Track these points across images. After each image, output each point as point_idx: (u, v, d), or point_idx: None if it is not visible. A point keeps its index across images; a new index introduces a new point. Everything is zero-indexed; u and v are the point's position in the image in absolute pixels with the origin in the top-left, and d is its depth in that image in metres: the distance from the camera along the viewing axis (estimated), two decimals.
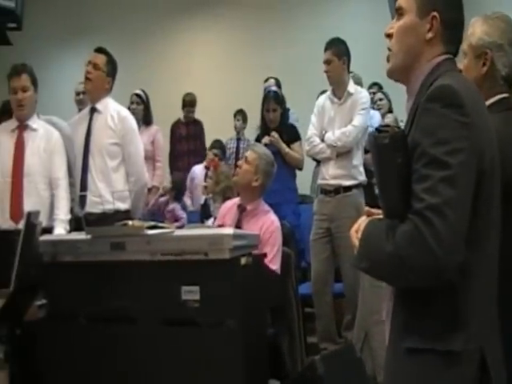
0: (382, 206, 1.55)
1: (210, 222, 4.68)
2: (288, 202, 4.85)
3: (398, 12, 1.64)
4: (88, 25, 8.77)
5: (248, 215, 3.66)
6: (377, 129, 1.51)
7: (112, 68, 4.04)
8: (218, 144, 6.38)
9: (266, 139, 4.98)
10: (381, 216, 1.59)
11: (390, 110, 5.96)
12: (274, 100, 5.13)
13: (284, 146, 5.00)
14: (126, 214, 3.81)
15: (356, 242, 1.57)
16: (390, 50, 1.66)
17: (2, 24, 4.54)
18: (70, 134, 4.10)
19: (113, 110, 3.97)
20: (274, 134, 4.99)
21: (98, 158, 3.89)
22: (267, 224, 3.57)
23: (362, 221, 1.61)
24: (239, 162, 3.89)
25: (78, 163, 3.94)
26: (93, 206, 3.83)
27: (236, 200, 3.82)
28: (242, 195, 3.77)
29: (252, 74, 7.46)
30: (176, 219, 5.77)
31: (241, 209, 3.69)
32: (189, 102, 6.98)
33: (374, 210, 1.66)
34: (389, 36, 1.66)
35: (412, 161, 1.46)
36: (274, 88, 5.60)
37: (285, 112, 5.32)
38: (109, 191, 3.78)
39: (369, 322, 3.58)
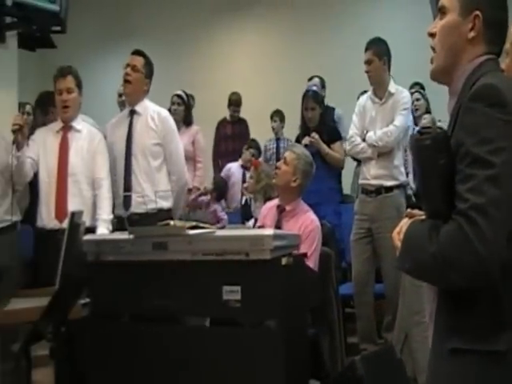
0: (425, 208, 1.54)
1: (250, 222, 4.69)
2: (329, 202, 4.84)
3: (441, 11, 1.63)
4: (131, 27, 8.88)
5: (287, 215, 3.68)
6: (418, 131, 1.51)
7: (149, 70, 4.09)
8: (253, 144, 6.41)
9: (306, 140, 4.98)
10: (423, 217, 1.58)
11: (428, 111, 5.89)
12: (312, 99, 5.13)
13: (324, 146, 4.98)
14: (169, 213, 3.88)
15: (398, 244, 1.57)
16: (433, 49, 1.65)
17: (46, 27, 4.62)
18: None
19: (152, 111, 4.02)
20: (314, 134, 4.99)
21: (141, 158, 3.94)
22: (306, 223, 3.58)
23: (404, 222, 1.61)
24: (278, 163, 3.90)
25: (119, 165, 3.99)
26: (137, 206, 3.88)
27: (276, 201, 3.83)
28: (281, 196, 3.78)
29: (295, 74, 7.46)
30: (217, 220, 5.81)
31: (280, 209, 3.71)
32: (235, 101, 7.03)
33: (415, 212, 1.65)
34: (432, 35, 1.65)
35: (456, 161, 1.45)
36: (314, 88, 5.59)
37: (324, 112, 5.31)
38: (153, 191, 3.83)
39: (409, 322, 3.55)
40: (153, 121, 3.98)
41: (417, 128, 4.96)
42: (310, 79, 6.36)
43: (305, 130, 5.16)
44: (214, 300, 2.73)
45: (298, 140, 5.23)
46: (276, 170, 3.83)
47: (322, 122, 5.16)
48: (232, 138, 7.00)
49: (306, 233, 3.50)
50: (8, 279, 3.69)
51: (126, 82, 4.04)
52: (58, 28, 4.55)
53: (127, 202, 3.90)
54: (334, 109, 6.16)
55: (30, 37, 4.53)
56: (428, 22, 1.78)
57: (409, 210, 1.68)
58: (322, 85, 6.28)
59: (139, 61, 4.04)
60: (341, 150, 5.08)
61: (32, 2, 4.10)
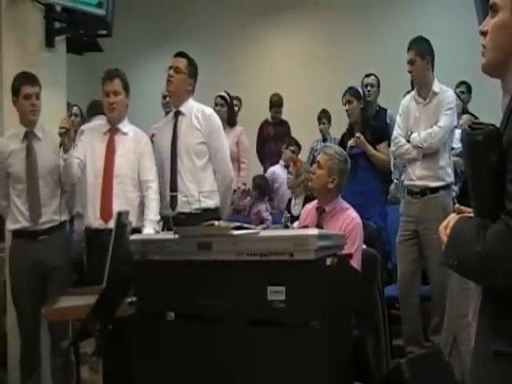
0: (473, 205, 1.52)
1: (295, 224, 4.69)
2: (374, 204, 4.81)
3: (493, 9, 1.59)
4: (175, 30, 8.97)
5: (327, 216, 3.65)
6: (470, 126, 1.48)
7: (193, 70, 4.08)
8: (292, 141, 6.42)
9: (351, 141, 4.97)
10: (471, 214, 1.56)
11: (465, 111, 5.79)
12: (348, 93, 5.16)
13: (370, 147, 4.95)
14: (216, 212, 3.87)
15: (444, 238, 1.55)
16: (484, 47, 1.62)
17: (93, 31, 4.70)
18: None
19: (196, 110, 4.01)
20: (358, 135, 4.96)
21: (186, 159, 3.94)
22: (347, 221, 3.55)
23: (452, 218, 1.59)
24: (312, 169, 3.84)
25: (166, 166, 4.00)
26: (183, 206, 3.87)
27: (314, 203, 3.80)
28: (320, 198, 3.74)
29: (340, 75, 7.43)
30: (261, 221, 5.82)
31: (319, 211, 3.69)
32: (276, 103, 7.04)
33: (463, 208, 1.63)
34: (483, 33, 1.61)
35: (506, 160, 1.42)
36: (357, 87, 5.55)
37: (366, 109, 5.28)
38: (198, 191, 3.82)
39: (457, 325, 3.50)
40: (197, 119, 3.98)
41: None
42: (367, 76, 6.26)
43: (349, 129, 5.17)
44: (259, 300, 2.72)
45: (344, 139, 5.24)
46: (311, 175, 3.80)
47: (365, 120, 5.15)
48: (274, 139, 7.03)
49: (347, 231, 3.47)
50: (57, 278, 3.78)
51: (169, 83, 4.05)
52: (104, 32, 4.62)
53: (173, 202, 3.90)
54: (386, 110, 6.10)
55: (77, 41, 4.61)
56: (473, 20, 1.74)
57: (456, 205, 1.66)
58: (378, 83, 6.21)
59: (182, 62, 4.05)
60: (386, 151, 5.04)
61: (80, 7, 4.17)
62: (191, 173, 3.94)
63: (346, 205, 3.70)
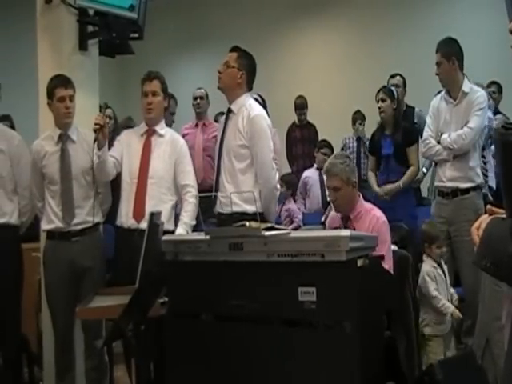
0: (506, 206, 1.51)
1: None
2: (405, 205, 4.79)
3: None
4: (206, 32, 9.02)
5: (353, 222, 3.64)
6: (503, 126, 1.47)
7: (245, 62, 3.94)
8: (323, 143, 6.41)
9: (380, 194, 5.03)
10: (503, 216, 1.54)
11: (497, 111, 5.71)
12: (382, 91, 5.19)
13: (398, 185, 4.94)
14: (254, 217, 3.49)
15: (476, 239, 1.54)
16: None
17: (125, 34, 4.74)
18: None
19: (245, 110, 3.84)
20: (380, 191, 4.98)
21: (226, 159, 3.85)
22: (373, 222, 3.54)
23: (484, 218, 1.58)
24: (332, 198, 3.71)
25: (215, 165, 3.99)
26: (222, 206, 3.82)
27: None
28: (346, 210, 3.69)
29: (369, 75, 7.41)
30: (292, 220, 5.85)
31: (345, 219, 3.68)
32: (300, 105, 7.06)
33: (495, 209, 1.62)
34: None
35: None
36: (389, 86, 5.55)
37: (399, 109, 5.27)
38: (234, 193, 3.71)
39: (490, 327, 3.46)
40: (242, 121, 3.82)
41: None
42: (392, 76, 6.24)
43: (381, 128, 5.22)
44: (290, 301, 2.72)
45: (374, 137, 5.26)
46: (334, 202, 3.71)
47: (396, 121, 5.14)
48: (301, 141, 7.04)
49: (374, 232, 3.44)
50: (90, 278, 3.83)
51: (218, 79, 3.96)
52: (136, 35, 4.66)
53: (215, 202, 3.87)
54: (413, 108, 6.08)
55: (109, 44, 4.65)
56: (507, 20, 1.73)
57: (488, 206, 1.65)
58: (404, 83, 6.19)
59: (232, 56, 3.95)
60: (415, 156, 5.03)
61: (112, 10, 4.21)
62: (230, 174, 3.82)
63: (368, 205, 3.68)
